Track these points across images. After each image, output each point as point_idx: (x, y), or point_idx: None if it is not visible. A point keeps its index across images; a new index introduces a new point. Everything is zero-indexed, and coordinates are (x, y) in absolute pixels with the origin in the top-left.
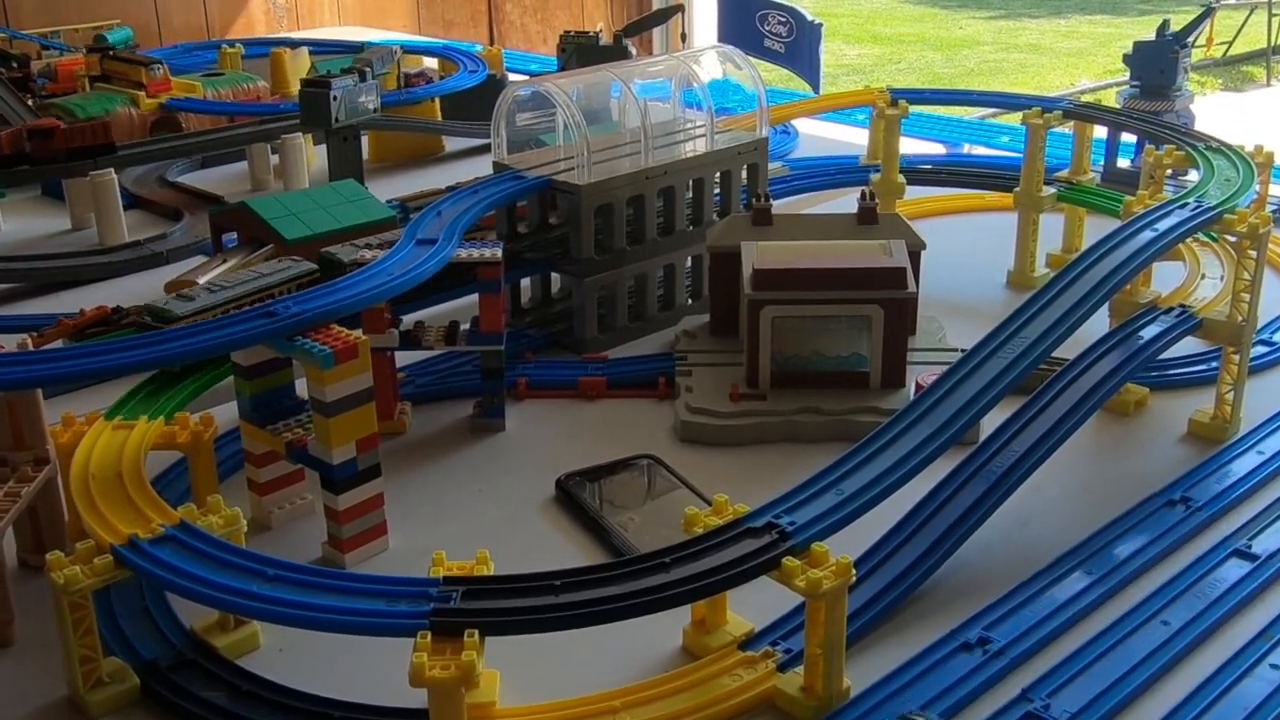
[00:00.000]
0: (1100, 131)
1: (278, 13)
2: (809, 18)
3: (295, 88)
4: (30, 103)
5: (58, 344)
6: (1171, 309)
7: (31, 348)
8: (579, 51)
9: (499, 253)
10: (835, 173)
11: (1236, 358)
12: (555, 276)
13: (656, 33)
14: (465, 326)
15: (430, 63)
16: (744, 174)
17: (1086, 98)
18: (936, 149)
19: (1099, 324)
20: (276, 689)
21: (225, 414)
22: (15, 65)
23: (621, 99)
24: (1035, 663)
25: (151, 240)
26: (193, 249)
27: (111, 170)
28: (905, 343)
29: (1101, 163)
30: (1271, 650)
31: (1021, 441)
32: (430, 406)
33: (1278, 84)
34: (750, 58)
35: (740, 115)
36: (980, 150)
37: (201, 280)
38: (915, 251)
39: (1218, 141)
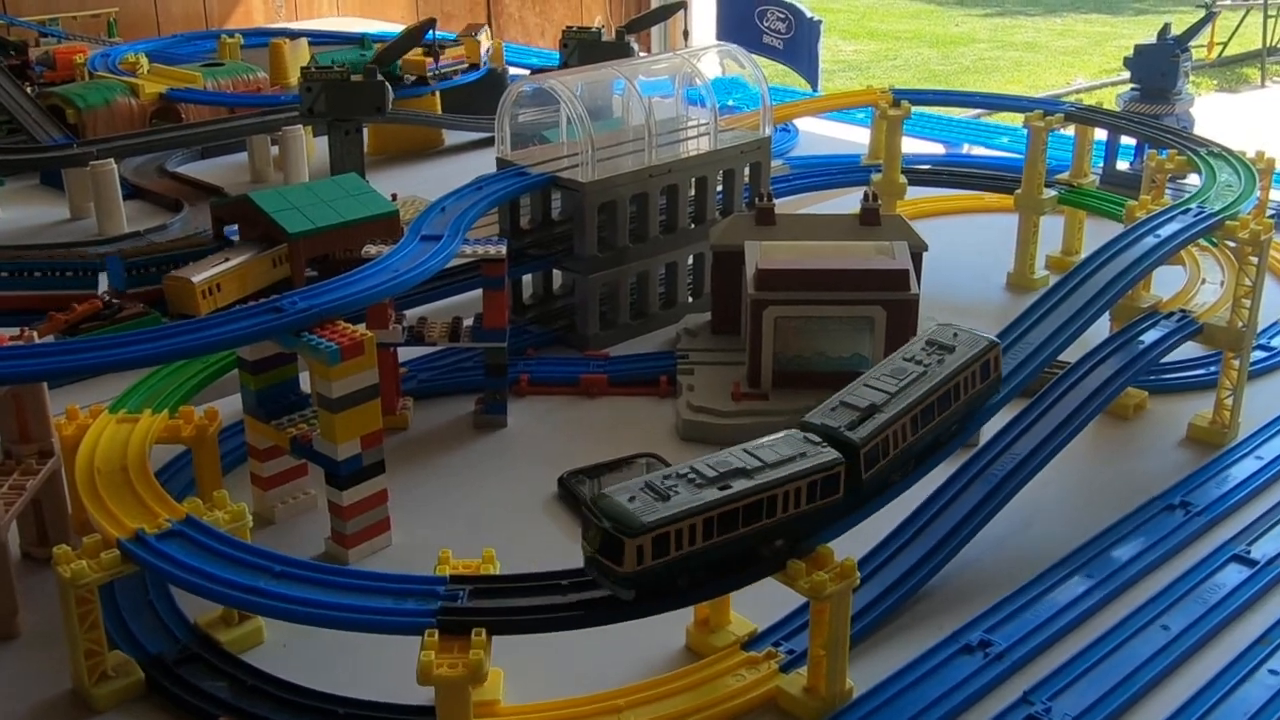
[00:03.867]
0: (1100, 134)
1: (276, 3)
2: (808, 14)
3: (295, 79)
4: (29, 90)
5: (49, 339)
6: (1172, 314)
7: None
8: (581, 47)
9: (503, 249)
10: (836, 172)
11: (1236, 363)
12: (556, 273)
13: (655, 30)
14: (468, 322)
15: None
16: (747, 173)
17: (1083, 97)
18: (936, 149)
19: (1100, 328)
20: (281, 684)
21: (227, 407)
22: (13, 53)
23: (625, 96)
24: (1036, 665)
25: (151, 231)
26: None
27: (111, 160)
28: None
29: (1101, 165)
30: (1271, 655)
31: (1023, 445)
32: (432, 402)
33: (1272, 85)
34: (752, 55)
35: (743, 114)
36: (980, 151)
37: (195, 279)
38: (917, 253)
39: (1219, 146)
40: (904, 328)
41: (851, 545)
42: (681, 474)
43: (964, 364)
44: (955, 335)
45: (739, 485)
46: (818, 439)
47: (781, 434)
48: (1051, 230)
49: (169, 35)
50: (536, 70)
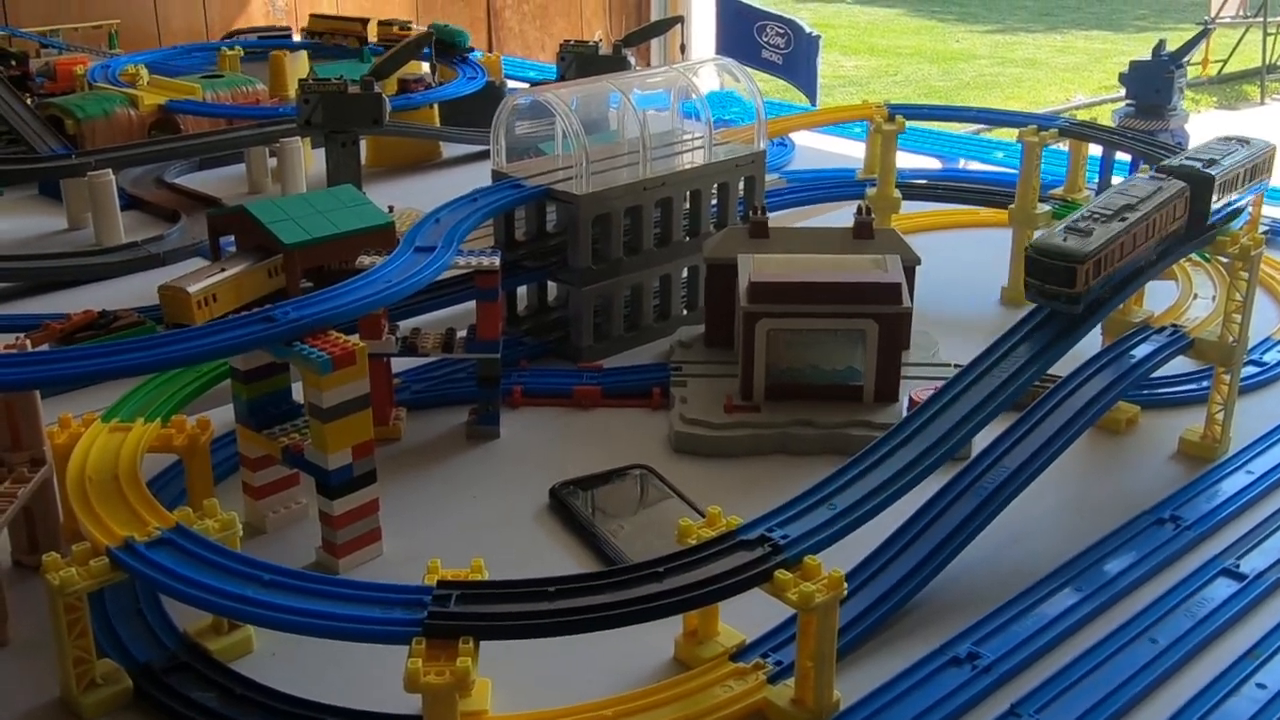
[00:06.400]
0: (1095, 149)
1: (277, 14)
2: (807, 29)
3: (293, 91)
4: (29, 101)
5: (44, 348)
6: (1163, 328)
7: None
8: (579, 61)
9: (497, 261)
10: (831, 186)
11: (1227, 377)
12: (551, 285)
13: (655, 43)
14: (462, 334)
15: None
16: (741, 186)
17: (1082, 113)
18: (932, 164)
19: (1091, 342)
20: (270, 693)
21: (219, 417)
22: (14, 63)
23: (620, 109)
24: (1024, 678)
25: (149, 241)
26: (190, 250)
27: (109, 170)
28: (899, 357)
29: (1095, 180)
30: (1258, 669)
31: (1013, 458)
32: (425, 413)
33: (1271, 103)
34: (748, 70)
35: (738, 127)
36: (975, 166)
37: (191, 290)
38: (910, 267)
39: None
40: (896, 341)
41: (840, 557)
42: (1087, 215)
43: (1257, 153)
44: (1246, 140)
45: (1132, 216)
46: (1163, 176)
47: (1134, 178)
48: None
49: (170, 46)
50: (534, 84)
